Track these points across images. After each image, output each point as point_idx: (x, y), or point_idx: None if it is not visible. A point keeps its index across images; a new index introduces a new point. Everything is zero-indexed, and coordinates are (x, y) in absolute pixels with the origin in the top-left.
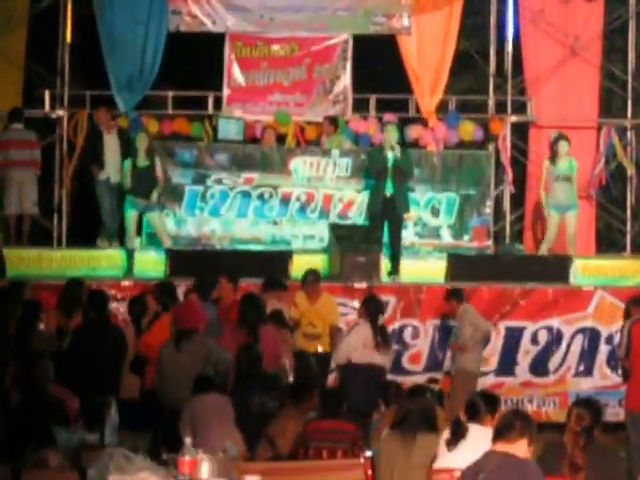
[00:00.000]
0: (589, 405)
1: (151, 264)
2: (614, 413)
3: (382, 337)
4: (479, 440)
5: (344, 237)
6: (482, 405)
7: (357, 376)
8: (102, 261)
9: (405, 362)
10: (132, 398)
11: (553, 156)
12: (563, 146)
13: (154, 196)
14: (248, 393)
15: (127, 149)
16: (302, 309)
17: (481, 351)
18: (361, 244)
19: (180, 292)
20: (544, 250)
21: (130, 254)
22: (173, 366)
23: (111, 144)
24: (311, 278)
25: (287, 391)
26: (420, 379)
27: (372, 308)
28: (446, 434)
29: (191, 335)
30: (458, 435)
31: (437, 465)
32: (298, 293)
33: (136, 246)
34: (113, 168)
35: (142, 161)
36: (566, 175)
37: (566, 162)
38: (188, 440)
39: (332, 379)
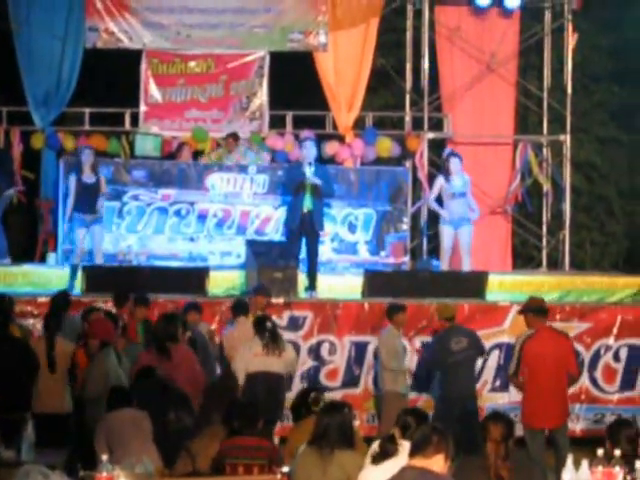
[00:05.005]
0: (502, 418)
1: (67, 280)
2: None
3: (272, 340)
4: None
5: (261, 253)
6: (413, 421)
7: (254, 385)
8: (18, 277)
9: (322, 378)
10: (52, 414)
11: (446, 173)
12: (455, 163)
13: (100, 210)
14: (163, 409)
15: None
16: None
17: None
18: (278, 260)
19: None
20: (444, 266)
21: (74, 270)
22: None
23: None
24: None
25: (225, 411)
26: (337, 395)
27: (258, 325)
28: (374, 448)
29: None
30: (388, 451)
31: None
32: None
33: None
34: None
35: (87, 177)
36: (461, 191)
37: (460, 179)
38: (105, 456)
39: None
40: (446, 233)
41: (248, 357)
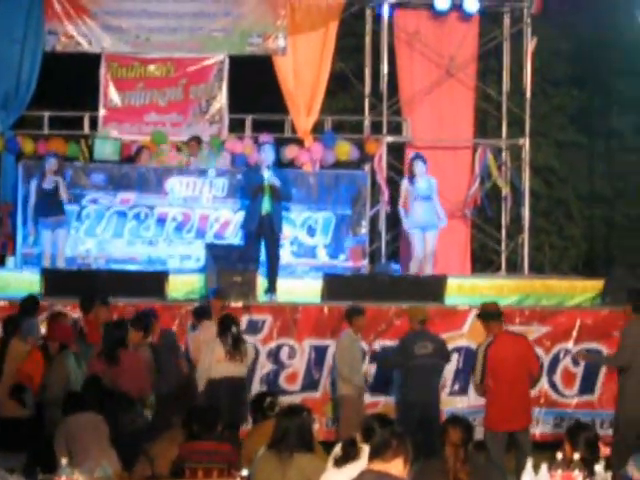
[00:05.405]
0: (461, 422)
1: (26, 284)
2: None
3: (235, 347)
4: None
5: (220, 257)
6: (377, 427)
7: (218, 391)
8: None
9: (282, 382)
10: (10, 417)
11: (411, 176)
12: (419, 165)
13: (65, 212)
14: (114, 413)
15: None
16: None
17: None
18: (237, 263)
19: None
20: (414, 269)
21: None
22: None
23: None
24: None
25: (185, 415)
26: (297, 399)
27: (223, 327)
28: (336, 452)
29: None
30: (350, 454)
31: None
32: None
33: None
34: None
35: (48, 183)
36: (426, 194)
37: (425, 181)
38: (64, 460)
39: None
40: (417, 238)
41: (210, 363)
